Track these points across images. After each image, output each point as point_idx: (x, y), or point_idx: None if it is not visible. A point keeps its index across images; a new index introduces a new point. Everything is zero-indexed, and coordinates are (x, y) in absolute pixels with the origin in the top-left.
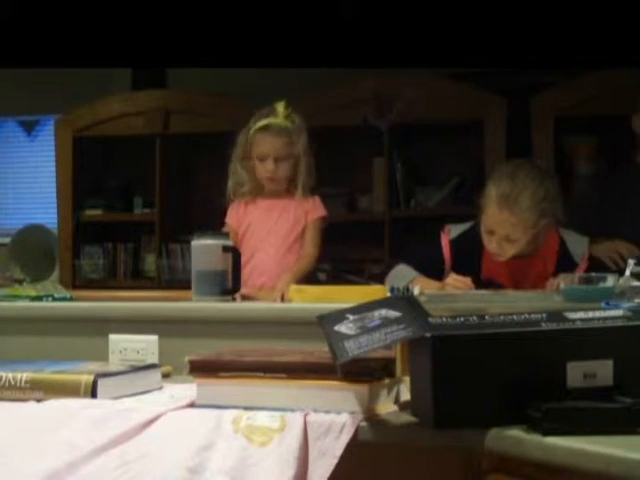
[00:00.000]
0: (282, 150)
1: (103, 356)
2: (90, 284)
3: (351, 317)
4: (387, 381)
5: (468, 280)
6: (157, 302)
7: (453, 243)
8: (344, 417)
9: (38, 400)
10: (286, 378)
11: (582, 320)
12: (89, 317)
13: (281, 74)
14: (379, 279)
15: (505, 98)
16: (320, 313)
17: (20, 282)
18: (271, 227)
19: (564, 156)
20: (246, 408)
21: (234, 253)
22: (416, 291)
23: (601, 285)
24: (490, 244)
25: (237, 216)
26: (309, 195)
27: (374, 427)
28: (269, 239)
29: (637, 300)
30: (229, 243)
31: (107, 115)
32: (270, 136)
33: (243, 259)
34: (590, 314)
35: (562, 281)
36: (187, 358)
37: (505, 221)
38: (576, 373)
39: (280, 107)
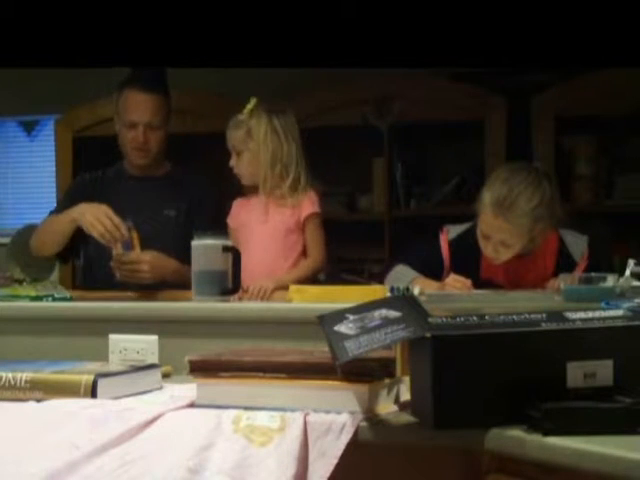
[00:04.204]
0: (236, 141)
1: (103, 356)
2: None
3: (351, 317)
4: (387, 381)
5: (468, 281)
6: (157, 302)
7: (452, 243)
8: (344, 417)
9: (38, 400)
10: (286, 378)
11: (582, 320)
12: (89, 317)
13: (281, 74)
14: (379, 279)
15: (505, 98)
16: (320, 313)
17: (20, 282)
18: (260, 228)
19: (564, 156)
20: (246, 408)
21: (234, 253)
22: (416, 291)
23: (601, 285)
24: (486, 249)
25: (233, 214)
26: (302, 191)
27: (374, 427)
28: (257, 240)
29: (637, 300)
30: (229, 243)
31: (107, 115)
32: (229, 130)
33: None
34: (590, 314)
35: (562, 281)
36: (187, 358)
37: (500, 227)
38: (576, 373)
39: (250, 103)
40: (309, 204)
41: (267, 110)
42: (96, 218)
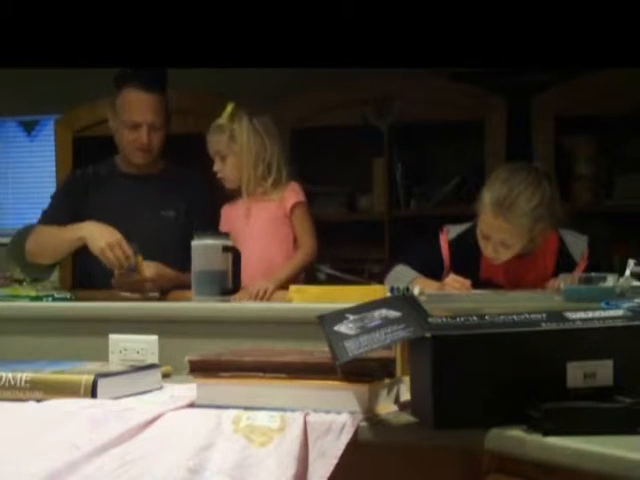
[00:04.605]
0: (220, 146)
1: (103, 356)
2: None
3: (351, 317)
4: (387, 381)
5: (467, 282)
6: (157, 302)
7: (452, 243)
8: (344, 417)
9: (38, 400)
10: (286, 378)
11: (582, 320)
12: (89, 317)
13: (281, 74)
14: (379, 279)
15: (505, 98)
16: (320, 313)
17: (20, 282)
18: (249, 228)
19: (564, 156)
20: (246, 408)
21: (234, 253)
22: (416, 291)
23: (601, 285)
24: (486, 249)
25: (224, 220)
26: (284, 185)
27: (374, 427)
28: (249, 242)
29: (637, 300)
30: (229, 243)
31: (107, 115)
32: (210, 136)
33: None
34: (590, 314)
35: (562, 281)
36: (187, 358)
37: (500, 227)
38: (576, 373)
39: (227, 107)
40: (293, 194)
41: (246, 112)
42: (108, 246)
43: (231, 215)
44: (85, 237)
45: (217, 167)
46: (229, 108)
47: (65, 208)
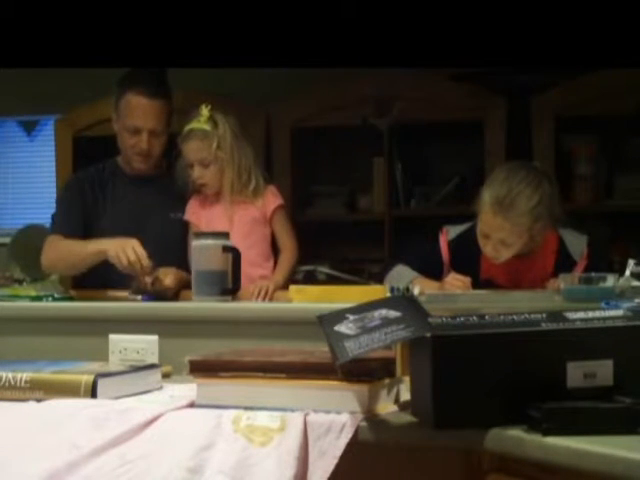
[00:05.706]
0: (205, 154)
1: (103, 356)
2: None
3: (351, 317)
4: (387, 381)
5: (467, 280)
6: (157, 302)
7: (451, 244)
8: (344, 417)
9: (38, 400)
10: (286, 378)
11: (582, 320)
12: (89, 317)
13: (281, 74)
14: (379, 279)
15: (505, 98)
16: (320, 313)
17: (20, 282)
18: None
19: (564, 156)
20: (246, 408)
21: (234, 253)
22: (416, 291)
23: (601, 285)
24: (486, 248)
25: (194, 211)
26: (264, 189)
27: (374, 427)
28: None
29: (637, 300)
30: (229, 243)
31: (107, 115)
32: (193, 141)
33: None
34: (590, 314)
35: (562, 281)
36: (187, 358)
37: (500, 226)
38: (576, 373)
39: (204, 110)
40: (274, 198)
41: (222, 114)
42: (122, 249)
43: (210, 217)
44: (103, 250)
45: (198, 174)
46: (205, 111)
47: (75, 215)
